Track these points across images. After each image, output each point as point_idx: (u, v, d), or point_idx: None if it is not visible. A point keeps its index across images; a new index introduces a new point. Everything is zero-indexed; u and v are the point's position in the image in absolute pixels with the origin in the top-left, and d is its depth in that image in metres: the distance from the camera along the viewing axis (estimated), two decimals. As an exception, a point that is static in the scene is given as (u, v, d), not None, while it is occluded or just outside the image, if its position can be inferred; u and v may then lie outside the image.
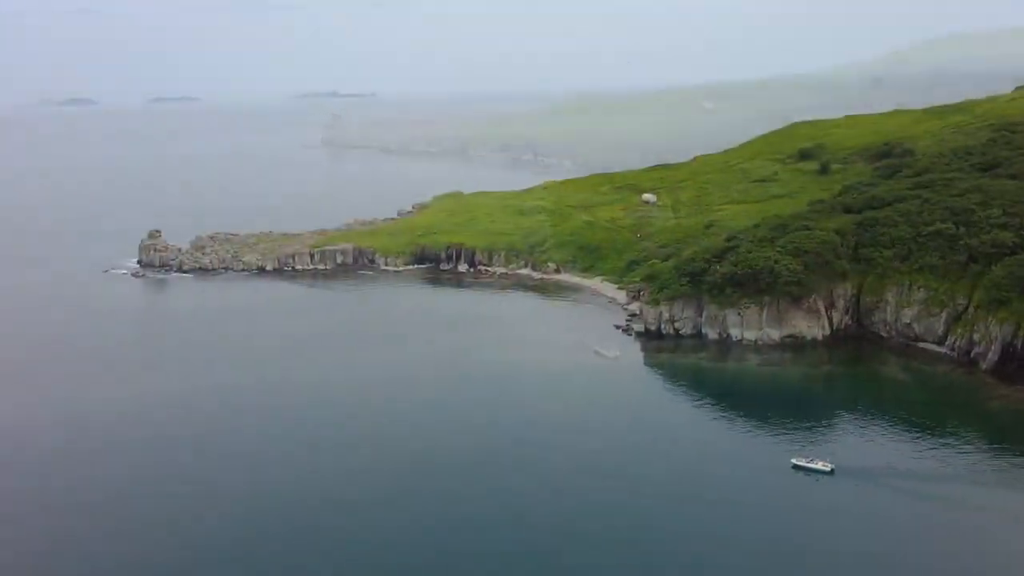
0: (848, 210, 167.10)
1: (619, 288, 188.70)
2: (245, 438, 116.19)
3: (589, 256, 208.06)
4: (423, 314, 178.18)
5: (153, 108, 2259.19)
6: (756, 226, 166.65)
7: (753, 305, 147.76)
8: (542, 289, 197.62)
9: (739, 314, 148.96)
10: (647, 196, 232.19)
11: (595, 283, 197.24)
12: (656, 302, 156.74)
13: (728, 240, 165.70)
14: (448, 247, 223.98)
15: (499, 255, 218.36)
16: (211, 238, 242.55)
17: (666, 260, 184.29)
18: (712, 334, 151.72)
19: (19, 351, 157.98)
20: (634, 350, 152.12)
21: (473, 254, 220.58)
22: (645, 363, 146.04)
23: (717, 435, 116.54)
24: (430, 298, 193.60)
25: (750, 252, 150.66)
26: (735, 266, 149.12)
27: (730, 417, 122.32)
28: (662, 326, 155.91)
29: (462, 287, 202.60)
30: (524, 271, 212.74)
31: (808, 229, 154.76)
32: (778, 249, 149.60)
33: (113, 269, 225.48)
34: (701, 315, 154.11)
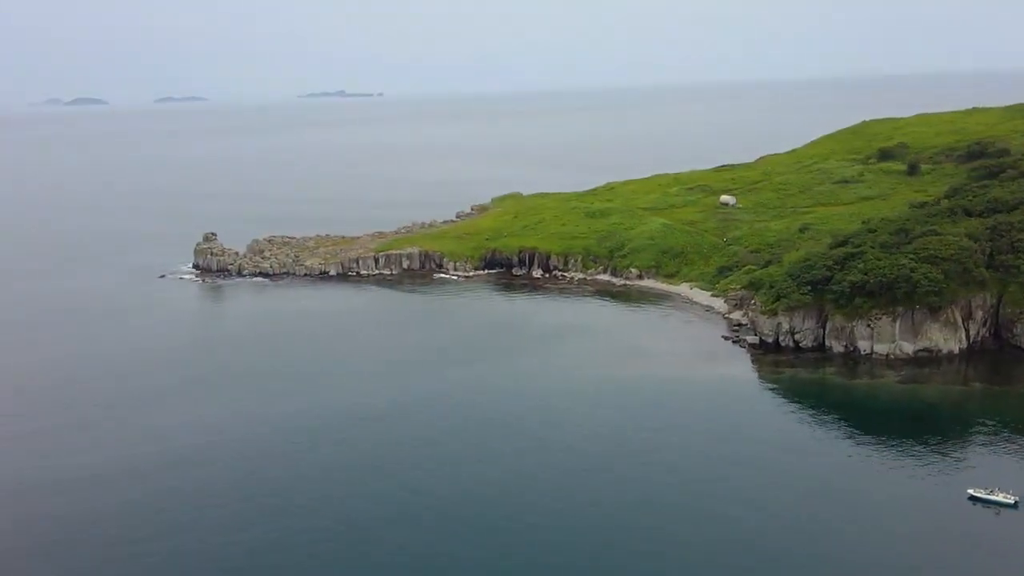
0: (969, 213, 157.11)
1: (713, 295, 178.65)
2: (414, 467, 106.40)
3: (673, 261, 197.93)
4: (513, 323, 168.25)
5: (161, 108, 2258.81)
6: (871, 231, 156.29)
7: (885, 316, 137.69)
8: (627, 296, 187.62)
9: (869, 326, 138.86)
10: (725, 198, 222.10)
11: (683, 289, 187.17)
12: (773, 312, 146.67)
13: (837, 246, 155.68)
14: (520, 251, 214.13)
15: (575, 260, 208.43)
16: (269, 241, 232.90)
17: (765, 266, 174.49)
18: (837, 347, 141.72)
19: (115, 368, 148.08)
20: (745, 363, 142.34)
21: (547, 259, 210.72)
22: (763, 378, 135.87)
23: (874, 462, 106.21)
24: (513, 306, 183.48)
25: (879, 259, 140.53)
26: (864, 275, 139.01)
27: (882, 441, 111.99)
28: (780, 338, 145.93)
29: (541, 294, 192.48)
30: (603, 277, 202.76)
31: (937, 234, 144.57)
32: (910, 256, 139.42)
33: (169, 274, 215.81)
34: (823, 326, 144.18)
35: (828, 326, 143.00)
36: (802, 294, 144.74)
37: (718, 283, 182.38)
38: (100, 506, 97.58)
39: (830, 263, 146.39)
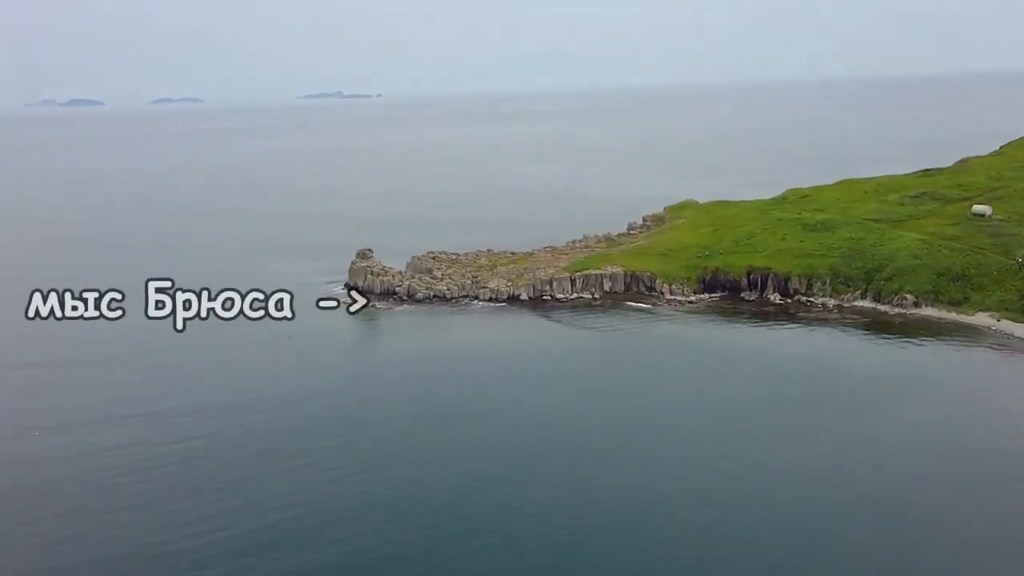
0: None
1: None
2: None
3: (955, 286, 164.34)
4: (812, 368, 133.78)
5: (159, 109, 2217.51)
6: None
7: None
8: (915, 330, 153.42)
9: None
10: (980, 207, 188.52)
11: (985, 320, 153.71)
12: None
13: None
14: (749, 271, 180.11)
15: (822, 282, 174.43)
16: (433, 258, 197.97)
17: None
18: None
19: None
20: None
21: (786, 281, 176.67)
22: None
23: None
24: (788, 344, 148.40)
25: None
26: None
27: None
28: None
29: (802, 326, 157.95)
30: (862, 303, 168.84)
31: None
32: None
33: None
34: None
35: None
36: None
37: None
38: None
39: None
